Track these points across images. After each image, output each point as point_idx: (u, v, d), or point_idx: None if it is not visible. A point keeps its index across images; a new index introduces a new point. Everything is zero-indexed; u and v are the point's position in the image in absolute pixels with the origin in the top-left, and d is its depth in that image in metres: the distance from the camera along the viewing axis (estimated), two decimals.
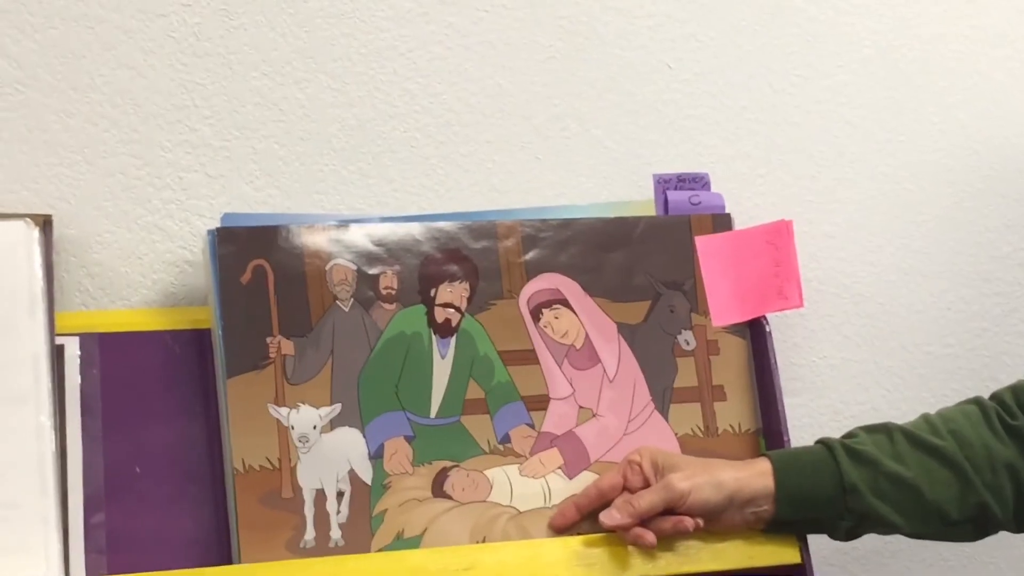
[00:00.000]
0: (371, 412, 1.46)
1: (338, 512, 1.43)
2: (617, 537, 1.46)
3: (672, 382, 1.58)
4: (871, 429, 1.51)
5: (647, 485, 1.46)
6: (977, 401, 1.54)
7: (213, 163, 1.56)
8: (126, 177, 1.53)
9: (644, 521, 1.45)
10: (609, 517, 1.45)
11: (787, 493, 1.47)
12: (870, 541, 1.59)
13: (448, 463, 1.48)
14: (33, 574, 1.33)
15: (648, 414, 1.56)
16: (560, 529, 1.48)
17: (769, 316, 1.61)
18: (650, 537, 1.44)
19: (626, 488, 1.47)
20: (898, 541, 1.58)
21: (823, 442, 1.50)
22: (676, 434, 1.56)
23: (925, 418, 1.53)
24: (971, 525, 1.50)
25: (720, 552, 1.49)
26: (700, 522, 1.45)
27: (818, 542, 1.55)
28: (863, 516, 1.48)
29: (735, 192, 1.71)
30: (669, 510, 1.45)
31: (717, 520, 1.47)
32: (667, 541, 1.47)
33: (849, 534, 1.51)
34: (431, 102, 1.65)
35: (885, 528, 1.50)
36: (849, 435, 1.51)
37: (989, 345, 1.88)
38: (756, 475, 1.47)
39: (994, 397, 1.54)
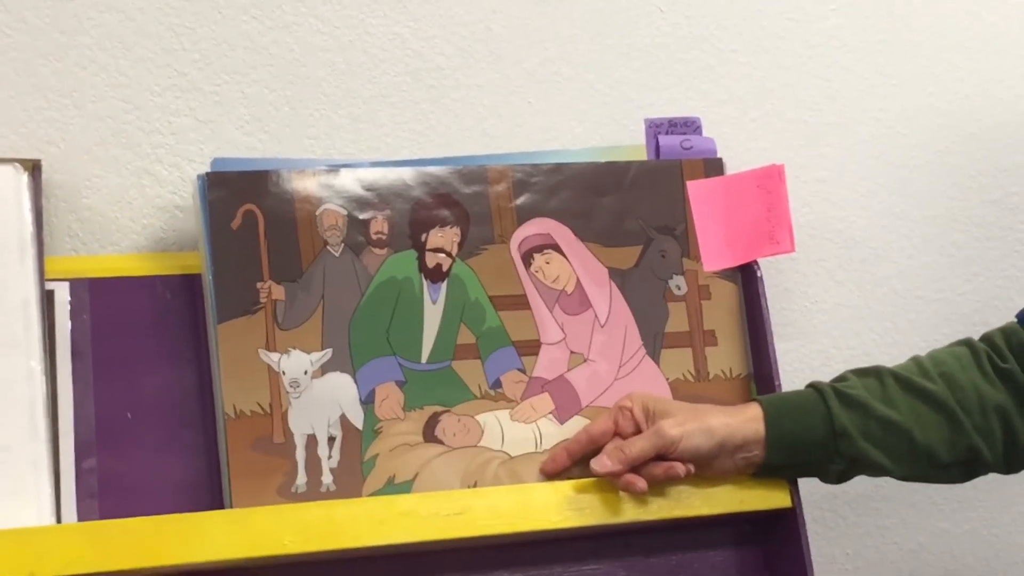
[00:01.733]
0: (362, 357, 1.46)
1: (329, 457, 1.44)
2: (608, 482, 1.47)
3: (663, 327, 1.58)
4: (862, 372, 1.52)
5: (638, 431, 1.47)
6: (968, 343, 1.54)
7: (203, 107, 1.56)
8: (115, 121, 1.53)
9: (635, 467, 1.45)
10: (600, 464, 1.45)
11: (777, 438, 1.47)
12: (860, 485, 1.60)
13: (439, 408, 1.48)
14: (25, 518, 1.34)
15: (639, 359, 1.56)
16: (551, 474, 1.49)
17: (760, 261, 1.61)
18: (641, 483, 1.45)
19: (617, 434, 1.48)
20: (889, 485, 1.58)
21: (814, 386, 1.51)
22: (667, 379, 1.56)
23: (916, 361, 1.53)
24: (961, 468, 1.51)
25: (711, 497, 1.50)
26: (691, 468, 1.46)
27: (809, 486, 1.56)
28: (853, 460, 1.48)
29: (727, 136, 1.70)
30: (660, 456, 1.45)
31: (708, 466, 1.47)
32: (658, 486, 1.47)
33: (840, 477, 1.51)
34: (422, 46, 1.65)
35: (875, 471, 1.50)
36: (840, 379, 1.52)
37: (980, 289, 1.88)
38: (746, 420, 1.47)
39: (985, 339, 1.54)
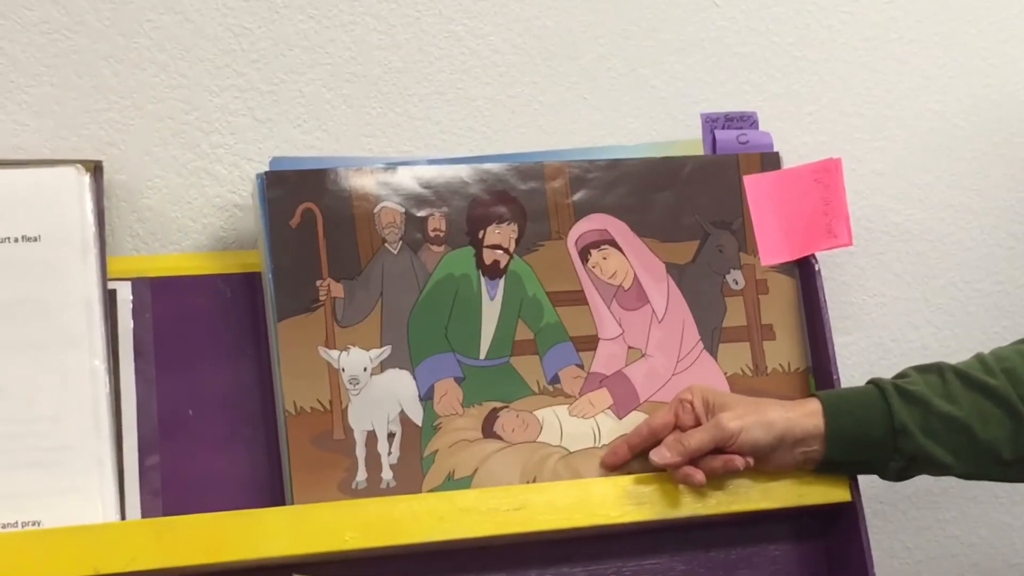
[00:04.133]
0: (421, 354, 1.47)
1: (389, 453, 1.44)
2: (667, 476, 1.47)
3: (721, 321, 1.58)
4: (923, 369, 1.51)
5: (698, 423, 1.47)
6: None
7: (261, 107, 1.57)
8: (175, 122, 1.54)
9: (694, 460, 1.45)
10: (659, 455, 1.45)
11: (837, 434, 1.46)
12: (920, 479, 1.59)
13: (498, 404, 1.49)
14: (89, 515, 1.35)
15: (697, 354, 1.56)
16: (611, 467, 1.49)
17: (818, 254, 1.61)
18: (699, 476, 1.45)
19: (677, 427, 1.48)
20: (948, 479, 1.57)
21: (874, 382, 1.50)
22: (725, 373, 1.56)
23: (978, 357, 1.52)
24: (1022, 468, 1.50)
25: (770, 491, 1.50)
26: (750, 461, 1.45)
27: (868, 481, 1.56)
28: (913, 457, 1.47)
29: (783, 130, 1.70)
30: (719, 449, 1.45)
31: (767, 460, 1.47)
32: (717, 480, 1.47)
33: (900, 475, 1.50)
34: (477, 44, 1.65)
35: (936, 469, 1.49)
36: (900, 375, 1.51)
37: None
38: (806, 415, 1.47)
39: None
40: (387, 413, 1.45)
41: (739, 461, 1.45)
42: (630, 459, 1.49)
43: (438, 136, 1.63)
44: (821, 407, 1.47)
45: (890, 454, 1.47)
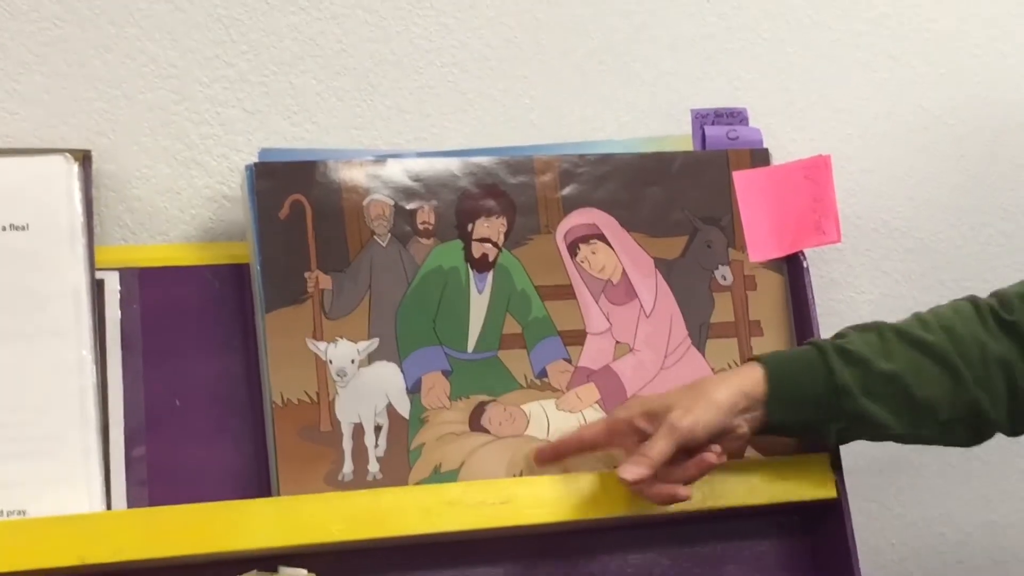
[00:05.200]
0: (409, 347, 1.47)
1: (376, 446, 1.44)
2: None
3: (709, 317, 1.58)
4: (862, 328, 1.48)
5: (646, 438, 1.43)
6: (971, 299, 1.49)
7: (251, 98, 1.57)
8: (164, 112, 1.54)
9: (667, 473, 1.42)
10: (628, 472, 1.40)
11: (778, 398, 1.43)
12: (906, 475, 1.59)
13: (485, 397, 1.49)
14: (75, 505, 1.35)
15: (685, 349, 1.56)
16: (537, 462, 1.47)
17: (807, 251, 1.61)
18: (683, 491, 1.42)
19: (617, 445, 1.45)
20: (934, 475, 1.57)
21: (813, 343, 1.47)
22: (713, 369, 1.56)
23: (917, 316, 1.48)
24: (963, 425, 1.46)
25: (755, 487, 1.50)
26: (717, 449, 1.42)
27: (853, 477, 1.56)
28: (854, 417, 1.44)
29: (773, 127, 1.70)
30: (682, 449, 1.42)
31: (724, 437, 1.43)
32: (702, 479, 1.47)
33: (840, 437, 1.48)
34: (468, 36, 1.65)
35: (876, 429, 1.46)
36: (839, 335, 1.48)
37: None
38: (747, 379, 1.44)
39: (993, 294, 1.50)
40: (374, 405, 1.45)
41: (710, 456, 1.41)
42: (554, 462, 1.47)
43: (428, 129, 1.62)
44: (763, 372, 1.44)
45: (832, 415, 1.45)
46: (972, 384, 1.44)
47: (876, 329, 1.48)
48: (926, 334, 1.46)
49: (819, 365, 1.44)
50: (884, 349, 1.45)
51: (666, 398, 1.44)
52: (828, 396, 1.44)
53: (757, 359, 1.47)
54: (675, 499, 1.42)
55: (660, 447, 1.40)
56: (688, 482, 1.43)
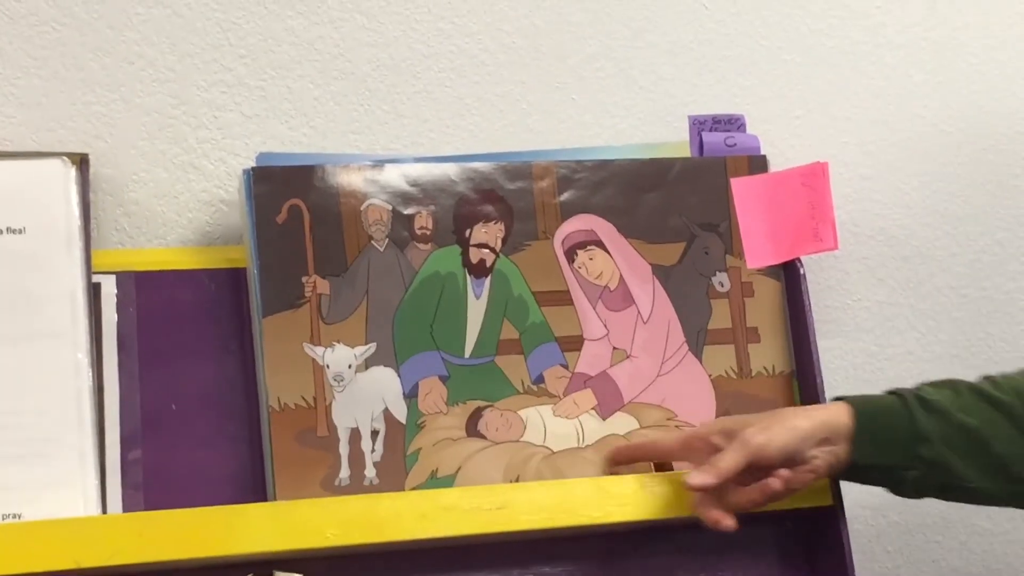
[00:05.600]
0: (406, 352, 1.47)
1: (372, 451, 1.44)
2: (648, 477, 1.47)
3: (706, 324, 1.58)
4: (936, 384, 1.49)
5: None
6: None
7: (248, 102, 1.57)
8: (162, 116, 1.54)
9: (731, 492, 1.43)
10: (695, 479, 1.40)
11: (865, 436, 1.44)
12: None
13: (482, 403, 1.49)
14: (71, 509, 1.35)
15: (682, 355, 1.56)
16: (611, 462, 1.50)
17: (804, 258, 1.61)
18: (728, 521, 1.41)
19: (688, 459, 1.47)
20: None
21: (894, 392, 1.48)
22: (710, 375, 1.57)
23: (986, 377, 1.51)
24: None
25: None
26: (785, 474, 1.42)
27: (849, 485, 1.56)
28: (932, 465, 1.45)
29: (771, 134, 1.70)
30: (751, 466, 1.42)
31: (799, 463, 1.43)
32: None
33: (916, 486, 1.48)
34: (466, 42, 1.65)
35: (951, 480, 1.47)
36: (916, 387, 1.50)
37: None
38: (832, 414, 1.45)
39: None
40: (371, 410, 1.45)
41: (775, 483, 1.42)
42: (626, 464, 1.49)
43: (426, 134, 1.62)
44: (848, 407, 1.45)
45: (911, 461, 1.46)
46: None
47: (951, 385, 1.49)
48: (999, 393, 1.48)
49: (901, 410, 1.46)
50: (960, 403, 1.47)
51: (745, 418, 1.46)
52: (910, 441, 1.45)
53: (842, 398, 1.48)
54: (719, 525, 1.42)
55: (729, 459, 1.41)
56: (749, 507, 1.43)
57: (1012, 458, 1.46)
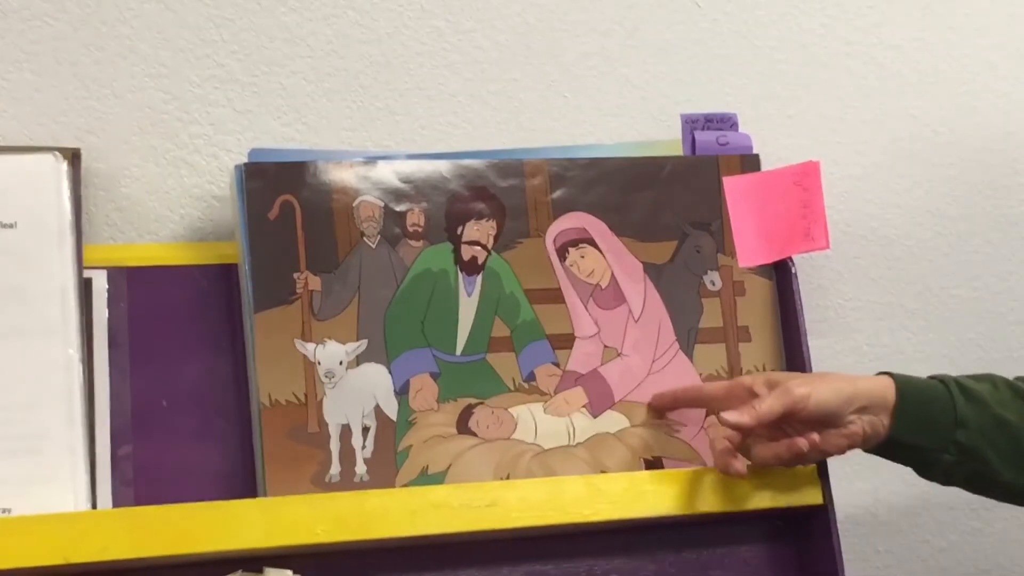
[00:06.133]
0: (397, 349, 1.47)
1: (363, 447, 1.44)
2: (639, 475, 1.47)
3: (697, 322, 1.58)
4: (975, 377, 1.50)
5: None
6: None
7: (241, 98, 1.56)
8: (154, 111, 1.53)
9: (759, 445, 1.46)
10: (732, 415, 1.42)
11: (907, 411, 1.45)
12: (891, 484, 1.59)
13: (473, 400, 1.49)
14: (61, 504, 1.35)
15: (673, 354, 1.56)
16: (655, 406, 1.53)
17: (795, 257, 1.61)
18: (738, 464, 1.45)
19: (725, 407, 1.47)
20: (920, 484, 1.57)
21: (936, 377, 1.49)
22: (700, 374, 1.57)
23: (1020, 377, 1.52)
24: None
25: (743, 493, 1.50)
26: (815, 437, 1.43)
27: (840, 484, 1.56)
28: (967, 452, 1.46)
29: (763, 133, 1.70)
30: (787, 417, 1.43)
31: (835, 425, 1.44)
32: (686, 483, 1.47)
33: (947, 472, 1.49)
34: (459, 39, 1.65)
35: (983, 468, 1.47)
36: (956, 377, 1.50)
37: (1016, 288, 1.87)
38: (876, 383, 1.46)
39: None
40: (362, 407, 1.45)
41: (802, 443, 1.43)
42: (670, 408, 1.52)
43: (418, 131, 1.62)
44: (893, 382, 1.46)
45: (946, 445, 1.46)
46: None
47: (989, 378, 1.50)
48: None
49: (944, 394, 1.47)
50: (998, 397, 1.48)
51: (790, 373, 1.49)
52: (950, 425, 1.46)
53: (887, 373, 1.48)
54: (730, 469, 1.45)
55: (770, 404, 1.42)
56: (773, 462, 1.46)
57: None
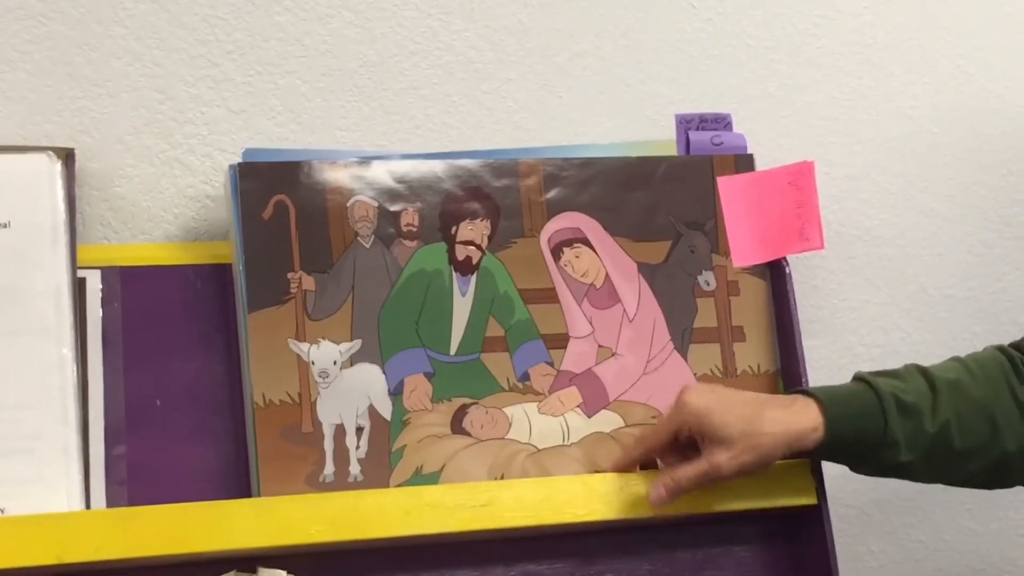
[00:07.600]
0: (391, 348, 1.47)
1: (357, 447, 1.44)
2: (634, 476, 1.47)
3: (692, 322, 1.58)
4: (919, 370, 1.49)
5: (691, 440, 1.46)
6: (1001, 349, 1.52)
7: (235, 98, 1.56)
8: (149, 111, 1.53)
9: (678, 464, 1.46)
10: (655, 494, 1.44)
11: (832, 444, 1.44)
12: (886, 484, 1.59)
13: (467, 400, 1.49)
14: (54, 504, 1.35)
15: (667, 354, 1.56)
16: (619, 468, 1.50)
17: (790, 257, 1.61)
18: (661, 491, 1.45)
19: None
20: (915, 484, 1.57)
21: (871, 385, 1.47)
22: (695, 374, 1.57)
23: (962, 364, 1.51)
24: (986, 474, 1.50)
25: (737, 493, 1.50)
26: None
27: (834, 484, 1.56)
28: (888, 468, 1.47)
29: (757, 133, 1.70)
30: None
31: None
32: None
33: (866, 474, 1.51)
34: (453, 39, 1.65)
35: (901, 475, 1.49)
36: (894, 375, 1.49)
37: (1010, 288, 1.88)
38: (805, 430, 1.43)
39: (1016, 347, 1.52)
40: (356, 407, 1.45)
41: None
42: (631, 470, 1.50)
43: (412, 131, 1.62)
44: (823, 420, 1.44)
45: (870, 460, 1.47)
46: (1008, 439, 1.47)
47: (928, 378, 1.48)
48: (974, 386, 1.48)
49: (876, 414, 1.45)
50: (935, 403, 1.46)
51: (726, 429, 1.42)
52: (876, 447, 1.45)
53: (815, 398, 1.45)
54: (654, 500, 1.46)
55: (695, 480, 1.44)
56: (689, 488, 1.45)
57: (972, 452, 1.47)
